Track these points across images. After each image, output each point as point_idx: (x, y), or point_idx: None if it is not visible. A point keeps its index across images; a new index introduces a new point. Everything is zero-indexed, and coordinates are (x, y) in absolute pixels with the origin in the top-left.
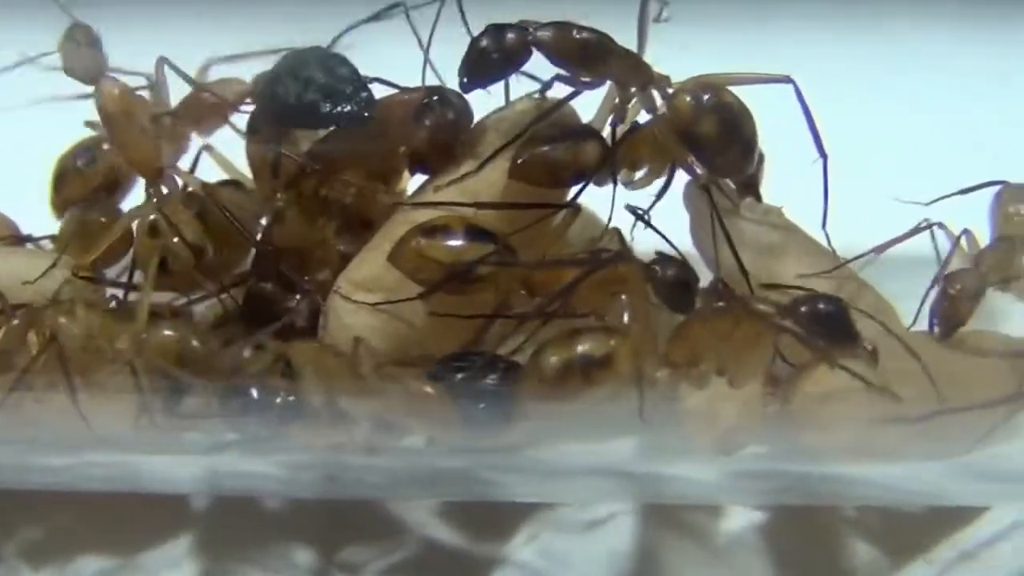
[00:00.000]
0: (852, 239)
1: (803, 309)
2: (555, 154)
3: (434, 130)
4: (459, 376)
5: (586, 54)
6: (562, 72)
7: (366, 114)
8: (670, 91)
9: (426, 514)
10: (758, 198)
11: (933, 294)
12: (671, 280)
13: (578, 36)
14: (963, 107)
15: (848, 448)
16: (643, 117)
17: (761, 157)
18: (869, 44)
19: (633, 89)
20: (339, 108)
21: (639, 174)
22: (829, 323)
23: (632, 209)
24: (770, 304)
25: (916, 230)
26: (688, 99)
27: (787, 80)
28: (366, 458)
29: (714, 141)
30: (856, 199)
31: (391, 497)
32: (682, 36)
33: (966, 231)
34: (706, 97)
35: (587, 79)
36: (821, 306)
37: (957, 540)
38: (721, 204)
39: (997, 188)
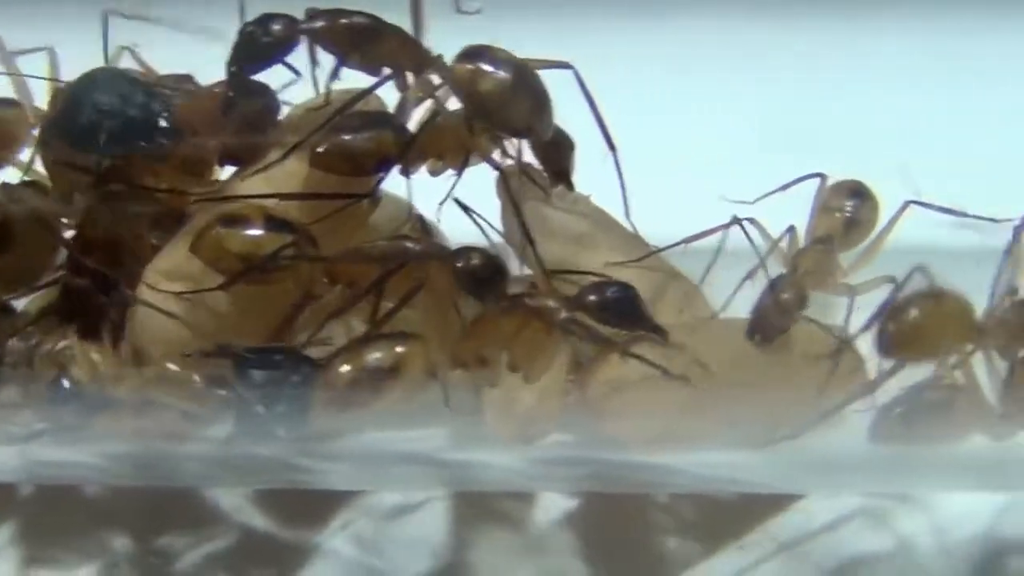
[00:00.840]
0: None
1: (591, 298)
2: (354, 142)
3: (241, 122)
4: (259, 374)
5: (357, 40)
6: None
7: (163, 125)
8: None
9: (242, 501)
10: (569, 187)
11: (754, 294)
12: (474, 271)
13: (346, 22)
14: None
15: (646, 436)
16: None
17: (571, 145)
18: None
19: (410, 73)
20: (130, 132)
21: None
22: (618, 309)
23: (458, 201)
24: (556, 297)
25: (724, 226)
26: (466, 65)
27: (567, 66)
28: (174, 446)
29: (501, 96)
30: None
31: (207, 485)
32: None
33: (791, 228)
34: (481, 56)
35: (364, 65)
36: (609, 293)
37: (770, 527)
38: (531, 193)
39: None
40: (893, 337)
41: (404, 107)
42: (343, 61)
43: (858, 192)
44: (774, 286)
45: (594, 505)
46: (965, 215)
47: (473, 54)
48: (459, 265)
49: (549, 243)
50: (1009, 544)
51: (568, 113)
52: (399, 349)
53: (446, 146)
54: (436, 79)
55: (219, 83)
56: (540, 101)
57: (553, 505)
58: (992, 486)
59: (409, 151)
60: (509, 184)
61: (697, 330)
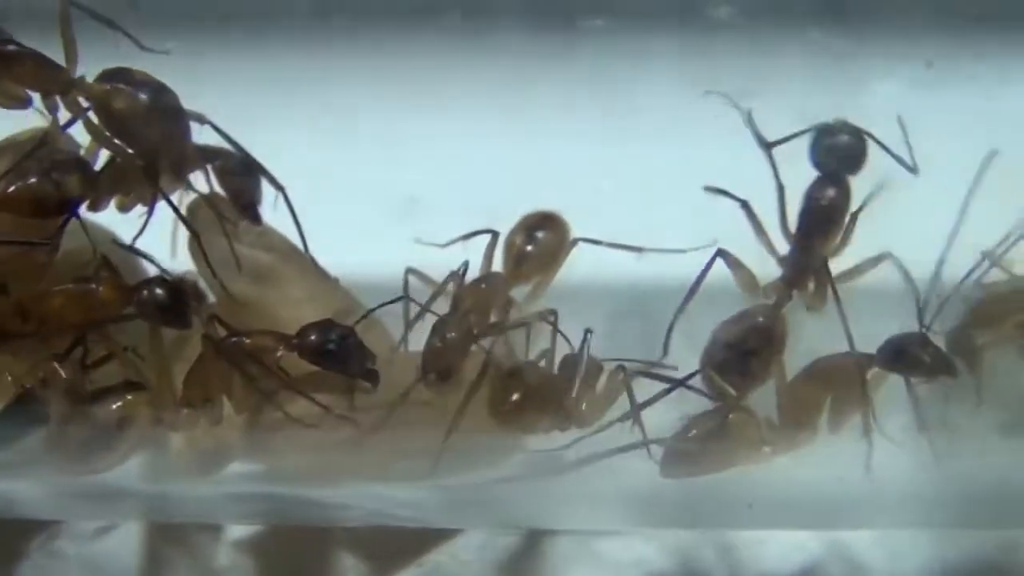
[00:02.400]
0: None
1: (312, 339)
2: (38, 186)
3: None
4: None
5: None
6: None
7: None
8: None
9: None
10: (256, 221)
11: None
12: (156, 303)
13: None
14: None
15: (311, 471)
16: None
17: (258, 179)
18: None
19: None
20: None
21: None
22: (339, 354)
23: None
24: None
25: None
26: (103, 84)
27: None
28: None
29: (137, 112)
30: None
31: None
32: None
33: (455, 271)
34: (118, 77)
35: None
36: (332, 336)
37: (450, 546)
38: (218, 226)
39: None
40: None
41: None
42: None
43: (536, 226)
44: (437, 328)
45: (279, 531)
46: (627, 247)
47: (111, 75)
48: (139, 298)
49: (235, 276)
50: None
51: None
52: (120, 404)
53: (132, 183)
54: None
55: None
56: (175, 123)
57: (239, 532)
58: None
59: (95, 192)
60: (195, 218)
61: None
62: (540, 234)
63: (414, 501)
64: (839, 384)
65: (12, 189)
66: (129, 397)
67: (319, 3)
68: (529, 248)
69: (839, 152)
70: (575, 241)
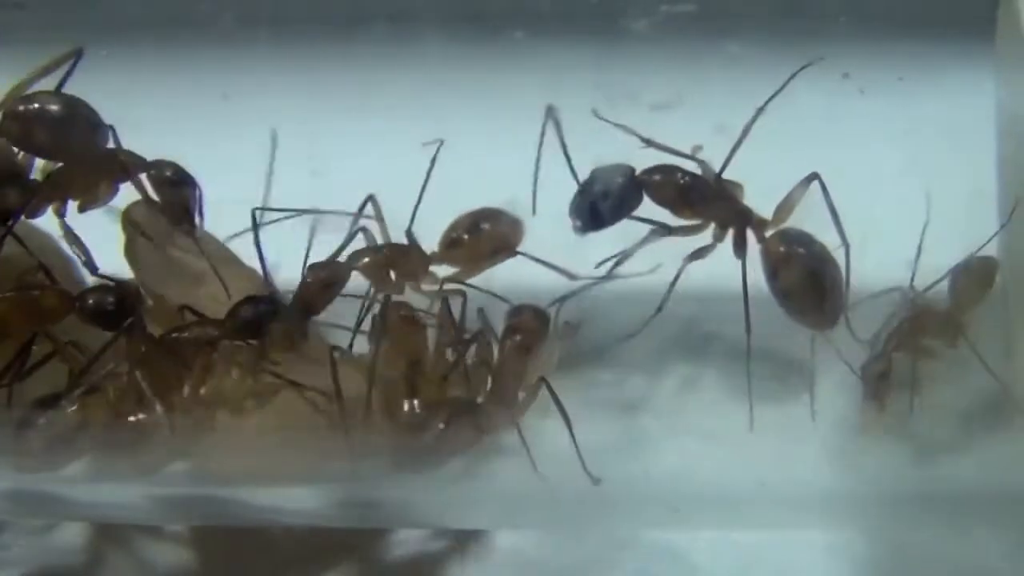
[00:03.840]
0: None
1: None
2: None
3: None
4: None
5: None
6: None
7: None
8: None
9: None
10: (191, 225)
11: None
12: (95, 307)
13: None
14: None
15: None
16: None
17: (193, 184)
18: None
19: None
20: None
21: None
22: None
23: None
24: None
25: None
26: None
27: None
28: None
29: (49, 124)
30: None
31: None
32: None
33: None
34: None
35: None
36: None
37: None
38: (155, 231)
39: None
40: None
41: None
42: None
43: (485, 219)
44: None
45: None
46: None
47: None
48: (82, 305)
49: (169, 281)
50: None
51: None
52: (75, 404)
53: (75, 189)
54: None
55: None
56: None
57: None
58: None
59: (32, 203)
60: (130, 221)
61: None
62: (484, 226)
63: (347, 502)
64: None
65: None
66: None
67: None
68: (465, 237)
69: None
70: (514, 253)
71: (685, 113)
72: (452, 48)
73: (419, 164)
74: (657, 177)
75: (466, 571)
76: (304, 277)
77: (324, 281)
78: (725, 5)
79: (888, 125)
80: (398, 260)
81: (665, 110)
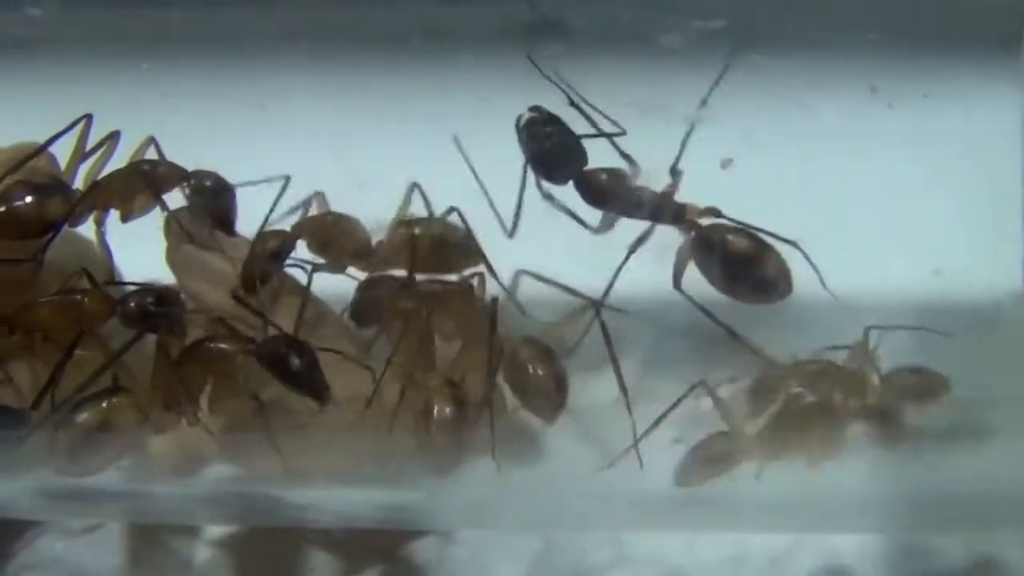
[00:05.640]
0: None
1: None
2: (21, 210)
3: None
4: None
5: None
6: None
7: None
8: None
9: None
10: (231, 233)
11: None
12: (135, 311)
13: None
14: None
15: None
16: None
17: (231, 193)
18: None
19: None
20: None
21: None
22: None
23: None
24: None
25: None
26: None
27: None
28: None
29: None
30: None
31: None
32: None
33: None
34: None
35: None
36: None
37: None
38: (196, 236)
39: None
40: None
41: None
42: None
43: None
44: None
45: (251, 531)
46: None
47: None
48: (123, 309)
49: (211, 288)
50: None
51: None
52: (104, 405)
53: (113, 199)
54: None
55: None
56: None
57: (215, 533)
58: None
59: (77, 213)
60: (172, 228)
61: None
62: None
63: (389, 503)
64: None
65: None
66: (114, 400)
67: (287, 25)
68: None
69: None
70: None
71: (715, 125)
72: (486, 61)
73: (454, 174)
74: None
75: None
76: (252, 247)
77: (272, 250)
78: (755, 21)
79: (914, 139)
80: (343, 233)
81: (700, 122)
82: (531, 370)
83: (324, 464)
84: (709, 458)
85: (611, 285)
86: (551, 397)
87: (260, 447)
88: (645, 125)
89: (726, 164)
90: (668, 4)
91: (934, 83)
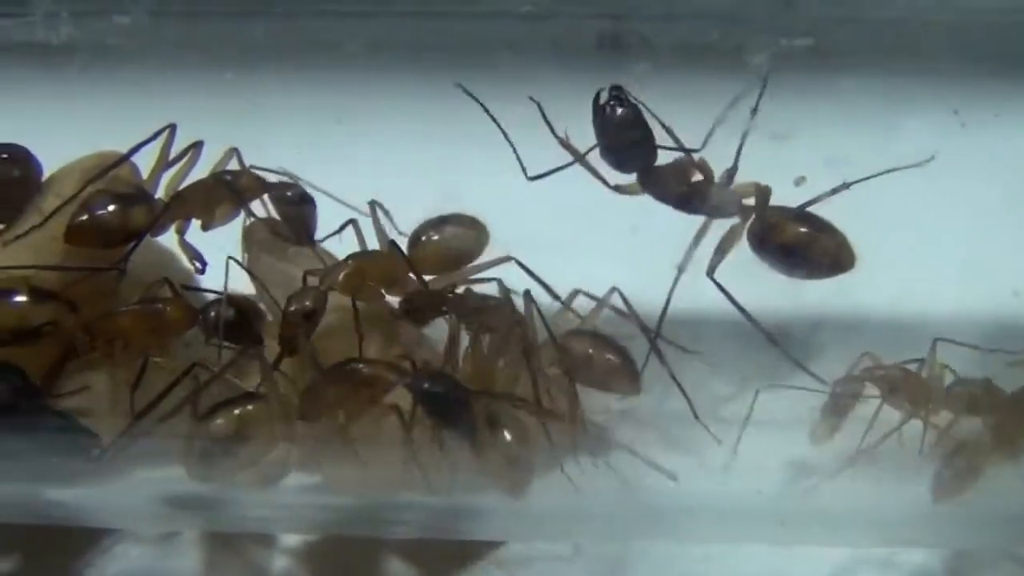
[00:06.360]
0: None
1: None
2: (104, 219)
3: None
4: None
5: None
6: None
7: None
8: None
9: None
10: (310, 244)
11: None
12: (215, 321)
13: None
14: None
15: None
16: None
17: (313, 203)
18: None
19: None
20: None
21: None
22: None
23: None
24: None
25: None
26: None
27: None
28: None
29: None
30: None
31: None
32: None
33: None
34: None
35: None
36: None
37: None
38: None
39: None
40: None
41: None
42: None
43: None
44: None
45: (329, 540)
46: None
47: None
48: (204, 318)
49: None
50: None
51: None
52: (237, 412)
53: (194, 210)
54: None
55: None
56: None
57: (291, 545)
58: None
59: (160, 223)
60: (252, 239)
61: None
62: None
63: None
64: None
65: (79, 222)
66: (248, 407)
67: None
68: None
69: None
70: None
71: (798, 143)
72: (573, 76)
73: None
74: None
75: None
76: (284, 311)
77: (306, 312)
78: (840, 41)
79: (994, 161)
80: (369, 269)
81: (783, 140)
82: (592, 354)
83: (412, 479)
84: (960, 470)
85: (665, 311)
86: (623, 370)
87: (353, 458)
88: (729, 146)
89: (799, 182)
90: (757, 22)
91: (1006, 104)
